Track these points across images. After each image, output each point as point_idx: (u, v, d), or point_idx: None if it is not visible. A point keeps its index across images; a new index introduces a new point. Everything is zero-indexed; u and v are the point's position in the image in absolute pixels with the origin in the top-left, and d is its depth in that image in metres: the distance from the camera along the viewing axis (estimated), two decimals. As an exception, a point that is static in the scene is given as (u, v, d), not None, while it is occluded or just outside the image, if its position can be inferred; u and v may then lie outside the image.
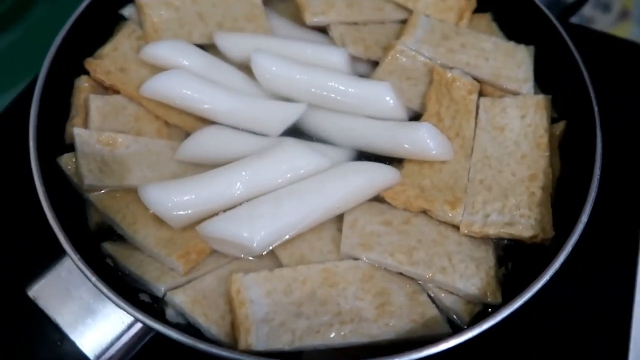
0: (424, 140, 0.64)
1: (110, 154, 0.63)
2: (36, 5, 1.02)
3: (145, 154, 0.65)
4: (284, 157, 0.61)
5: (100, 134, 0.64)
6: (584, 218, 0.59)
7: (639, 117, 0.86)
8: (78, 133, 0.63)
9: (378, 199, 0.64)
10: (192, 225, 0.59)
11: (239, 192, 0.59)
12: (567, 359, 0.71)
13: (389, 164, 0.65)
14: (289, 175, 0.61)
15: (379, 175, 0.63)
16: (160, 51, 0.69)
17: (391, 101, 0.67)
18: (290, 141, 0.65)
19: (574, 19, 0.91)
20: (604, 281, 0.75)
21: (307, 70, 0.67)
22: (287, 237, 0.59)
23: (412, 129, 0.65)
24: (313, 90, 0.67)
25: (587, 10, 0.91)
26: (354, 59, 0.74)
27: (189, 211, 0.59)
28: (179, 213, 0.58)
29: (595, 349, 0.71)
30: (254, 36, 0.73)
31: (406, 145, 0.65)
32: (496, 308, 0.55)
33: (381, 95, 0.67)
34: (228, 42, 0.72)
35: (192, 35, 0.73)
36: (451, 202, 0.62)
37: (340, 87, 0.67)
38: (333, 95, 0.67)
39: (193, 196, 0.59)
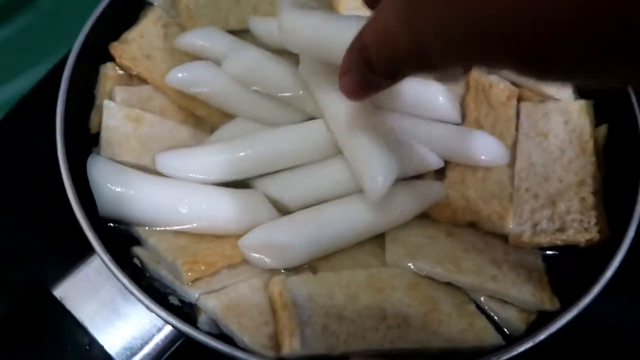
0: (479, 146, 0.62)
1: (133, 131, 0.61)
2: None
3: (167, 138, 0.63)
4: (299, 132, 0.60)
5: (129, 109, 0.62)
6: (635, 221, 0.57)
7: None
8: (107, 105, 0.62)
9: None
10: (212, 236, 0.57)
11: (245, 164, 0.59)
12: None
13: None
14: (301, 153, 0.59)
15: (425, 192, 0.61)
16: (197, 39, 0.66)
17: (446, 103, 0.65)
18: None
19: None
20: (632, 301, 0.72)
21: None
22: (329, 251, 0.57)
23: (467, 135, 0.63)
24: None
25: None
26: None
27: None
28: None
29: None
30: None
31: (461, 152, 0.62)
32: (552, 316, 0.52)
33: (436, 97, 0.64)
34: (263, 27, 0.69)
35: (229, 21, 0.71)
36: (499, 212, 0.60)
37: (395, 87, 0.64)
38: (388, 96, 0.64)
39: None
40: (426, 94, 0.65)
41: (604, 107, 0.68)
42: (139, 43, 0.68)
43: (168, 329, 0.53)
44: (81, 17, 0.67)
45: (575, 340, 0.64)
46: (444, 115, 0.65)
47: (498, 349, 0.50)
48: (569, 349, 0.64)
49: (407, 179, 0.61)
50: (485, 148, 0.63)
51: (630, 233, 0.56)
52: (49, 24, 0.92)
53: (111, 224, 0.57)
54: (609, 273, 0.53)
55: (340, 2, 0.71)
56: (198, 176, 0.59)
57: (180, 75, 0.63)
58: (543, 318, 0.54)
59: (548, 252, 0.60)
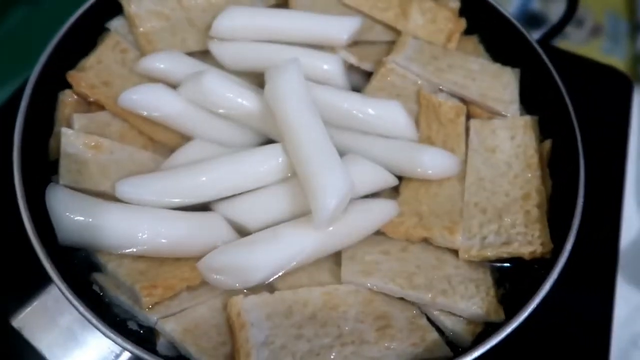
0: (434, 162, 0.65)
1: (93, 157, 0.62)
2: (16, 8, 0.99)
3: (127, 163, 0.64)
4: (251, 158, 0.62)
5: (87, 136, 0.63)
6: (573, 233, 0.60)
7: (614, 133, 0.91)
8: (65, 133, 0.62)
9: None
10: (171, 259, 0.58)
11: (204, 188, 0.60)
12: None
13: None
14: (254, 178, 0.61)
15: (379, 212, 0.62)
16: (156, 64, 0.68)
17: (404, 121, 0.67)
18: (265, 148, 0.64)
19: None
20: (585, 300, 0.77)
21: (320, 90, 0.66)
22: (286, 270, 0.58)
23: (420, 151, 0.66)
24: (326, 109, 0.65)
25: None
26: (347, 68, 0.74)
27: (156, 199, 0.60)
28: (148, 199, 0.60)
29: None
30: (247, 44, 0.72)
31: (419, 169, 0.65)
32: (498, 326, 0.55)
33: (394, 115, 0.67)
34: (223, 50, 0.70)
35: (187, 43, 0.72)
36: (449, 227, 0.62)
37: (354, 106, 0.66)
38: (345, 115, 0.66)
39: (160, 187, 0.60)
40: (387, 114, 0.67)
41: (548, 123, 0.71)
42: (96, 69, 0.68)
43: (126, 355, 0.54)
44: (40, 44, 0.68)
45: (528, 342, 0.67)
46: (404, 134, 0.68)
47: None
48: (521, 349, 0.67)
49: (362, 197, 0.63)
50: (436, 160, 0.65)
51: (568, 246, 0.59)
52: (7, 50, 0.92)
53: (70, 251, 0.58)
54: (547, 285, 0.56)
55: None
56: (157, 201, 0.60)
57: (133, 97, 0.64)
58: (490, 329, 0.57)
59: (501, 264, 0.63)
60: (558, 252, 0.59)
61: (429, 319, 0.59)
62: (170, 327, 0.54)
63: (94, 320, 0.50)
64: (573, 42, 1.04)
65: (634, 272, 0.83)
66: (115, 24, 0.73)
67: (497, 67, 0.75)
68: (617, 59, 1.03)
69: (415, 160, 0.65)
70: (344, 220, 0.59)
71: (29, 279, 0.54)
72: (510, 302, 0.59)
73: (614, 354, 0.75)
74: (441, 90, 0.73)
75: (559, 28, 0.92)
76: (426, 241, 0.63)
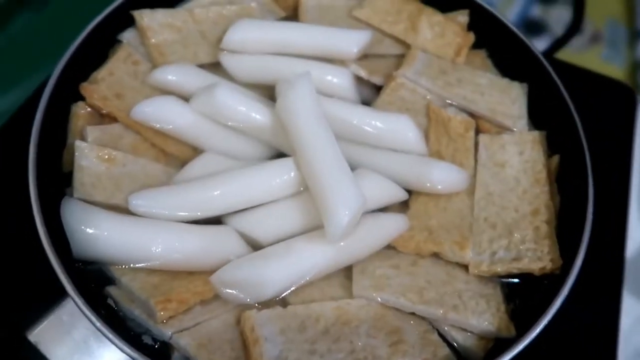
0: (443, 176, 0.66)
1: (106, 170, 0.62)
2: (20, 15, 0.99)
3: (140, 175, 0.64)
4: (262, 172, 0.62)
5: (101, 149, 0.63)
6: (583, 249, 0.61)
7: (618, 145, 0.91)
8: (79, 146, 0.63)
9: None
10: (184, 273, 0.58)
11: (217, 201, 0.60)
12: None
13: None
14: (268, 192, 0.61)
15: (389, 226, 0.63)
16: (168, 76, 0.68)
17: (414, 135, 0.68)
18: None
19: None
20: (592, 312, 0.77)
21: (329, 103, 0.66)
22: (299, 284, 0.58)
23: (430, 165, 0.66)
24: (336, 122, 0.65)
25: (561, 32, 0.93)
26: (357, 81, 0.74)
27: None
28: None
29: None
30: (258, 57, 0.72)
31: (428, 184, 0.65)
32: (510, 342, 0.55)
33: (404, 129, 0.68)
34: (234, 63, 0.71)
35: (198, 55, 0.73)
36: (459, 242, 0.63)
37: (364, 120, 0.67)
38: (355, 128, 0.67)
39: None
40: (397, 128, 0.68)
41: (556, 138, 0.72)
42: (108, 82, 0.69)
43: (142, 368, 0.54)
44: (53, 43, 0.68)
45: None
46: (413, 148, 0.69)
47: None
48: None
49: (372, 211, 0.64)
50: (445, 175, 0.66)
51: (578, 262, 0.60)
52: (11, 56, 0.93)
53: (84, 265, 0.58)
54: (558, 303, 0.57)
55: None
56: (170, 215, 0.61)
57: (146, 110, 0.65)
58: (500, 344, 0.57)
59: (510, 280, 0.63)
60: (568, 268, 0.59)
61: (440, 334, 0.59)
62: (185, 342, 0.55)
63: (110, 335, 0.51)
64: (573, 49, 1.04)
65: (637, 283, 0.83)
66: (127, 36, 0.74)
67: (505, 81, 0.76)
68: (617, 66, 1.03)
69: (425, 174, 0.65)
70: (355, 234, 0.60)
71: (44, 292, 0.55)
72: (520, 318, 0.59)
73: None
74: (450, 105, 0.74)
75: (564, 40, 0.93)
76: (436, 256, 0.64)
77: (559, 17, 0.93)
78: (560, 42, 0.93)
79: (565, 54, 1.00)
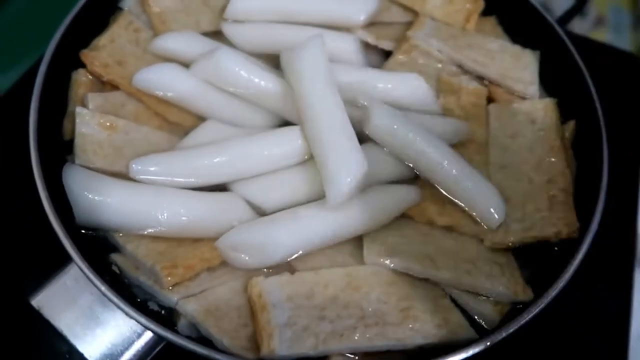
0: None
1: (108, 137, 0.61)
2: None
3: (142, 143, 0.63)
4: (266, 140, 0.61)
5: (102, 116, 0.62)
6: (599, 211, 0.60)
7: (632, 117, 0.90)
8: (79, 112, 0.61)
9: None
10: (190, 240, 0.57)
11: (220, 169, 0.59)
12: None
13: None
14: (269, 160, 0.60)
15: (400, 197, 0.62)
16: (170, 44, 0.67)
17: (423, 93, 0.67)
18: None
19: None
20: (605, 290, 0.76)
21: (336, 67, 0.65)
22: (306, 250, 0.57)
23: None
24: (343, 85, 0.64)
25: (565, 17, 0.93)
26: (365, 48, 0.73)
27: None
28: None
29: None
30: (261, 25, 0.71)
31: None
32: (526, 305, 0.54)
33: (413, 87, 0.66)
34: (237, 32, 0.69)
35: (200, 23, 0.71)
36: (474, 216, 0.61)
37: (373, 82, 0.66)
38: (364, 90, 0.65)
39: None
40: (406, 86, 0.67)
41: (570, 105, 0.70)
42: (109, 49, 0.67)
43: (148, 334, 0.54)
44: (52, 23, 0.67)
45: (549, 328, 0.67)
46: (424, 105, 0.67)
47: (471, 342, 0.51)
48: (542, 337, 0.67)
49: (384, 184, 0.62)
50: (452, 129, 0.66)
51: (594, 226, 0.58)
52: (20, 29, 0.91)
53: (88, 232, 0.57)
54: (574, 265, 0.55)
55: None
56: (172, 181, 0.59)
57: (147, 77, 0.63)
58: (515, 310, 0.56)
59: (523, 249, 0.62)
60: (583, 231, 0.58)
61: (452, 300, 0.58)
62: (192, 308, 0.54)
63: (116, 300, 0.50)
64: (577, 33, 1.03)
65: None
66: (129, 3, 0.72)
67: (517, 48, 0.74)
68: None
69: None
70: (364, 203, 0.59)
71: (47, 258, 0.54)
72: (537, 283, 0.58)
73: (634, 340, 0.74)
74: (461, 73, 0.72)
75: (571, 14, 0.90)
76: (449, 227, 0.62)
77: (561, 2, 0.92)
78: (567, 17, 0.91)
79: None
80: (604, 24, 1.05)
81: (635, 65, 0.95)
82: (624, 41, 1.04)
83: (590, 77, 0.70)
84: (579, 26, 1.04)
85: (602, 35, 1.05)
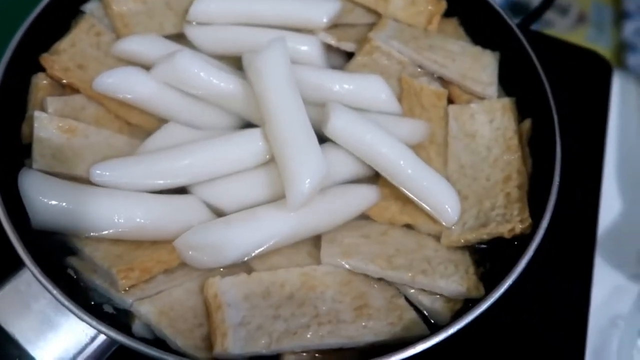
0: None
1: (67, 141, 0.61)
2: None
3: (103, 147, 0.63)
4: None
5: (61, 119, 0.62)
6: (550, 208, 0.61)
7: (594, 115, 0.92)
8: (38, 116, 0.61)
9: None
10: (148, 243, 0.57)
11: (181, 171, 0.60)
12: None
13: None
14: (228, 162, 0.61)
15: (359, 197, 0.63)
16: (133, 47, 0.67)
17: (386, 95, 0.67)
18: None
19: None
20: (564, 281, 0.78)
21: (298, 68, 0.65)
22: (263, 249, 0.58)
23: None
24: (303, 87, 0.64)
25: (546, 14, 0.95)
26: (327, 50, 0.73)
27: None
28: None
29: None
30: (224, 27, 0.71)
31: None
32: (476, 302, 0.55)
33: (375, 89, 0.67)
34: (200, 34, 0.70)
35: (164, 26, 0.72)
36: (433, 217, 0.62)
37: (332, 83, 0.66)
38: (325, 92, 0.66)
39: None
40: (367, 88, 0.67)
41: (527, 104, 0.72)
42: (70, 53, 0.67)
43: (101, 337, 0.54)
44: (11, 26, 0.67)
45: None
46: (386, 107, 0.68)
47: (422, 338, 0.52)
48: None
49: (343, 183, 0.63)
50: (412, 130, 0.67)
51: (544, 223, 0.59)
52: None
53: (44, 235, 0.57)
54: (524, 261, 0.57)
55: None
56: (133, 184, 0.60)
57: (108, 80, 0.63)
58: (467, 306, 0.57)
59: (482, 246, 0.63)
60: (535, 228, 0.59)
61: (407, 300, 0.59)
62: (146, 309, 0.54)
63: (68, 303, 0.50)
64: (558, 30, 1.04)
65: (612, 253, 0.83)
66: (90, 7, 0.72)
67: (477, 49, 0.75)
68: (602, 47, 1.03)
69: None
70: (323, 203, 0.59)
71: (1, 262, 0.53)
72: (491, 280, 0.59)
73: (592, 335, 0.76)
74: (422, 73, 0.73)
75: (538, 13, 0.92)
76: (407, 226, 0.63)
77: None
78: (534, 15, 0.92)
79: (551, 35, 1.00)
80: (585, 21, 1.06)
81: (597, 62, 0.97)
82: (604, 37, 1.05)
83: (553, 76, 0.71)
84: (560, 24, 1.05)
85: (584, 32, 1.05)
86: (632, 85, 0.99)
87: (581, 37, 1.04)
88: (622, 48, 1.03)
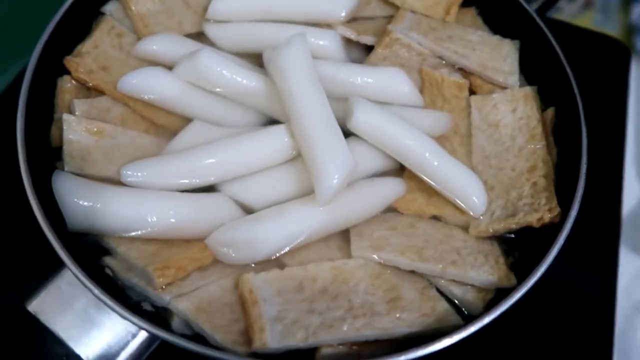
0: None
1: (95, 143, 0.62)
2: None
3: (130, 147, 0.63)
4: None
5: (89, 122, 0.62)
6: (579, 197, 0.61)
7: (613, 101, 0.91)
8: (66, 119, 0.62)
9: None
10: (181, 241, 0.58)
11: (209, 170, 0.60)
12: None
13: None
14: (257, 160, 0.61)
15: (385, 190, 0.63)
16: (154, 47, 0.68)
17: (407, 87, 0.68)
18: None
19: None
20: (591, 269, 0.78)
21: (319, 63, 0.65)
22: (293, 245, 0.59)
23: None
24: (326, 82, 0.64)
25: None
26: (346, 44, 0.74)
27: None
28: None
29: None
30: (243, 24, 0.71)
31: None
32: (508, 291, 0.56)
33: (396, 82, 0.67)
34: (219, 32, 0.70)
35: (183, 25, 0.72)
36: (460, 207, 0.63)
37: (355, 77, 0.66)
38: (347, 86, 0.66)
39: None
40: (388, 81, 0.68)
41: (549, 92, 0.72)
42: (93, 55, 0.68)
43: (143, 334, 0.55)
44: (35, 31, 0.67)
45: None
46: (407, 100, 0.68)
47: (457, 329, 0.53)
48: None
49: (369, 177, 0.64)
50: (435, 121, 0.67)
51: (574, 212, 0.60)
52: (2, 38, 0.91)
53: (81, 236, 0.58)
54: (555, 250, 0.57)
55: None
56: (163, 184, 0.60)
57: (132, 81, 0.64)
58: (500, 296, 0.58)
59: (510, 236, 0.63)
60: (564, 217, 0.59)
61: (438, 291, 0.59)
62: (184, 306, 0.55)
63: (110, 302, 0.51)
64: (566, 15, 1.04)
65: (635, 239, 0.84)
66: (110, 8, 0.73)
67: (496, 38, 0.75)
68: (609, 32, 1.03)
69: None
70: (351, 197, 0.60)
71: (42, 264, 0.55)
72: (521, 269, 0.59)
73: (619, 320, 0.76)
74: (443, 64, 0.73)
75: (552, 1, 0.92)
76: (434, 218, 0.64)
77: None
78: (548, 3, 0.92)
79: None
80: (592, 6, 1.06)
81: (615, 48, 0.96)
82: (612, 22, 1.05)
83: (572, 63, 0.71)
84: (567, 9, 1.05)
85: (590, 16, 1.05)
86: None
87: (588, 22, 1.04)
88: (631, 31, 1.02)
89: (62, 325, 0.53)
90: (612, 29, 1.03)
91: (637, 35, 1.00)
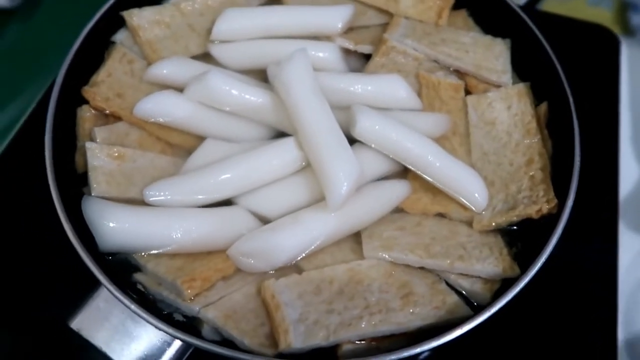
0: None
1: (118, 167, 0.66)
2: (8, 27, 1.01)
3: (150, 168, 0.67)
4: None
5: (110, 147, 0.66)
6: (574, 187, 0.65)
7: (605, 88, 0.94)
8: (89, 147, 0.66)
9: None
10: (204, 254, 0.62)
11: (225, 185, 0.64)
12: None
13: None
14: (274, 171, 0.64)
15: (391, 192, 0.67)
16: (164, 71, 0.71)
17: (405, 92, 0.71)
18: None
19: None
20: (592, 250, 0.81)
21: (319, 75, 0.68)
22: (309, 250, 0.62)
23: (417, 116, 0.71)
24: (326, 92, 0.67)
25: None
26: (345, 53, 0.77)
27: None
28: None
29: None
30: (245, 42, 0.75)
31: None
32: (514, 281, 0.59)
33: (395, 88, 0.71)
34: (224, 52, 0.74)
35: (189, 47, 0.76)
36: (462, 202, 0.66)
37: (356, 86, 0.70)
38: (347, 95, 0.69)
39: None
40: (387, 88, 0.71)
41: (542, 87, 0.75)
42: (108, 83, 0.72)
43: (177, 343, 0.59)
44: (54, 65, 0.71)
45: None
46: (407, 104, 0.72)
47: (467, 319, 0.57)
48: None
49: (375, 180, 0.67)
50: (434, 123, 0.70)
51: (570, 202, 0.63)
52: (6, 67, 0.95)
53: (111, 256, 0.62)
54: (554, 239, 0.60)
55: None
56: (184, 201, 0.64)
57: (146, 106, 0.68)
58: (506, 286, 0.61)
59: (512, 227, 0.67)
60: (562, 206, 0.63)
61: (447, 284, 0.63)
62: (212, 314, 0.59)
63: (145, 315, 0.55)
64: (546, 10, 1.05)
65: (634, 218, 0.87)
66: (120, 37, 0.76)
67: (488, 38, 0.79)
68: (604, 10, 1.04)
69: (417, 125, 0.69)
70: (360, 201, 0.64)
71: (80, 284, 0.59)
72: (524, 259, 0.63)
73: (622, 299, 0.79)
74: (438, 68, 0.76)
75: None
76: (439, 215, 0.67)
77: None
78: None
79: (551, 3, 1.01)
80: None
81: (604, 36, 0.99)
82: (605, 5, 1.06)
83: (563, 54, 0.74)
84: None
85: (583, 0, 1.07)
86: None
87: (583, 2, 1.05)
88: (625, 8, 1.03)
89: (103, 340, 0.58)
90: (606, 6, 1.05)
91: (631, 11, 1.02)
